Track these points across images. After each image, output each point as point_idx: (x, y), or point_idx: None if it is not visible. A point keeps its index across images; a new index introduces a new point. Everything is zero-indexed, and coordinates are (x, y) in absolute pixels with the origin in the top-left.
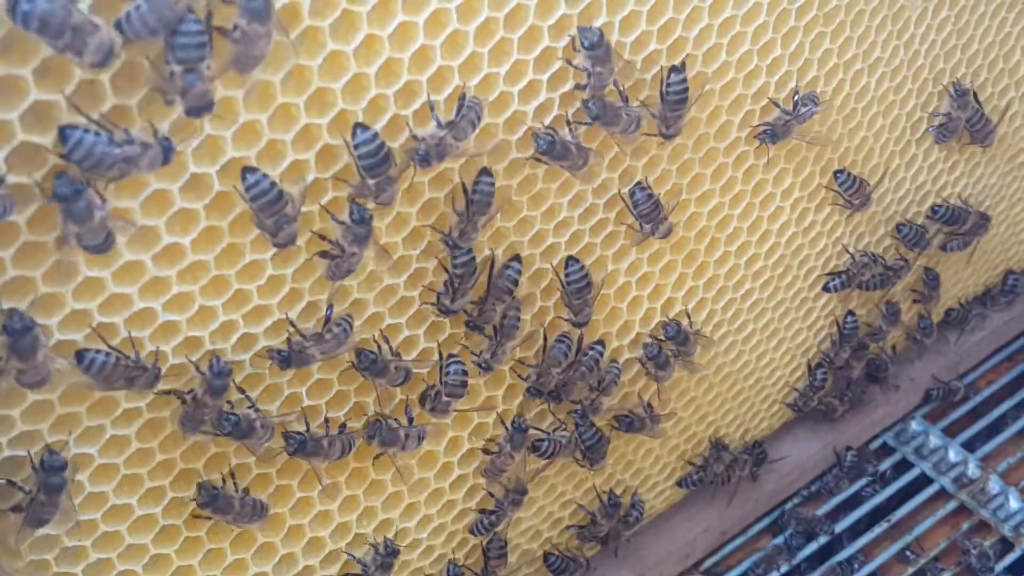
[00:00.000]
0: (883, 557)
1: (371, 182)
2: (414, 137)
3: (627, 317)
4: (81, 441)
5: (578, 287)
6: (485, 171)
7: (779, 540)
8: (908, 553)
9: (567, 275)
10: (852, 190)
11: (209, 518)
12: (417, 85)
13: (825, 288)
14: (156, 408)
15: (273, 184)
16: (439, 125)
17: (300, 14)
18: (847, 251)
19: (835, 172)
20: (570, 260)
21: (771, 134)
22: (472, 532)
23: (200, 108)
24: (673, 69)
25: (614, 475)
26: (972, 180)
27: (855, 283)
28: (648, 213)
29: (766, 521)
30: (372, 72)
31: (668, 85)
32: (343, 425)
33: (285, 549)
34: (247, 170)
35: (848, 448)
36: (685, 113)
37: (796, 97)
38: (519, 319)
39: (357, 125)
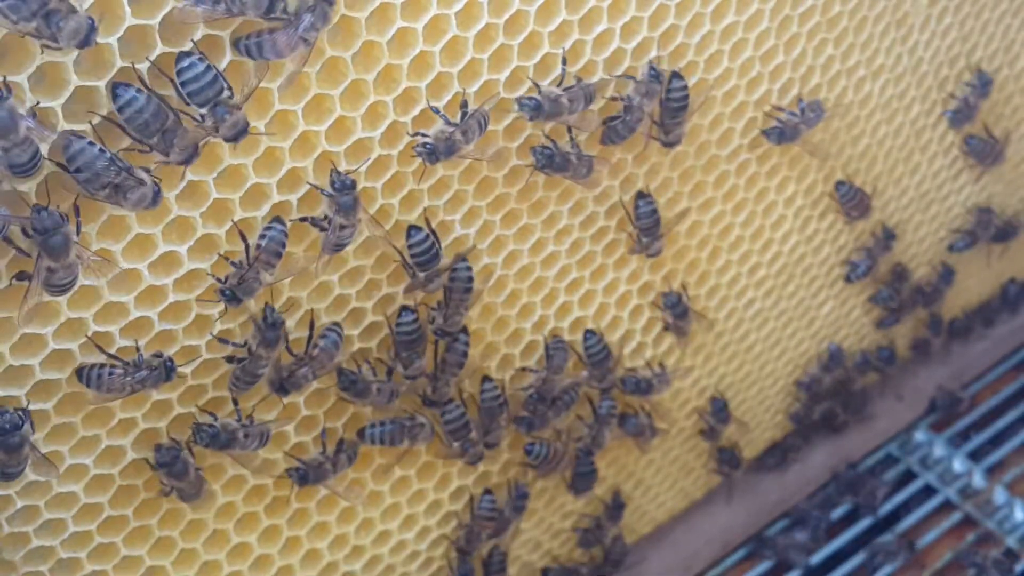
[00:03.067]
0: (888, 568)
1: (422, 275)
2: (420, 135)
3: (628, 326)
4: (76, 451)
5: (598, 359)
6: (406, 309)
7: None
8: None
9: (586, 347)
10: (852, 203)
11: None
12: (416, 92)
13: (847, 279)
14: (152, 418)
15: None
16: (448, 123)
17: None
18: (865, 247)
19: (837, 183)
20: (588, 333)
21: (779, 132)
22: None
23: (238, 135)
24: (674, 75)
25: (615, 486)
26: (976, 188)
27: (876, 268)
28: (649, 227)
29: (768, 533)
30: (371, 78)
31: (669, 92)
32: (341, 440)
33: (282, 561)
34: (267, 308)
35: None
36: (686, 120)
37: (801, 104)
38: (500, 396)
39: (411, 227)
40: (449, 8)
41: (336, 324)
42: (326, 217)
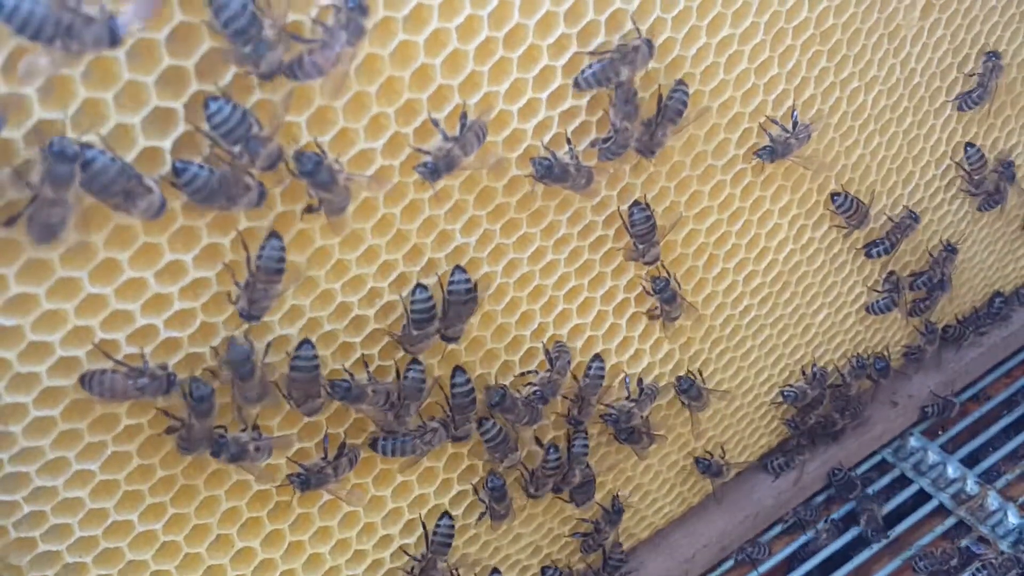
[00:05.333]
0: (882, 573)
1: (415, 333)
2: (420, 151)
3: (626, 333)
4: (82, 457)
5: (595, 383)
6: (415, 361)
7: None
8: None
9: (587, 369)
10: (849, 212)
11: None
12: (418, 103)
13: (868, 254)
14: (158, 424)
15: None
16: (446, 138)
17: (301, 32)
18: (889, 218)
19: (832, 195)
20: (595, 357)
21: (771, 151)
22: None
23: (272, 164)
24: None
25: (613, 491)
26: (968, 197)
27: (898, 248)
28: (644, 234)
29: (765, 537)
30: (373, 90)
31: (670, 98)
32: (343, 444)
33: (285, 565)
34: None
35: (838, 468)
36: (676, 130)
37: (794, 116)
38: (501, 431)
39: (419, 285)
40: (449, 22)
41: (307, 341)
42: (311, 196)
